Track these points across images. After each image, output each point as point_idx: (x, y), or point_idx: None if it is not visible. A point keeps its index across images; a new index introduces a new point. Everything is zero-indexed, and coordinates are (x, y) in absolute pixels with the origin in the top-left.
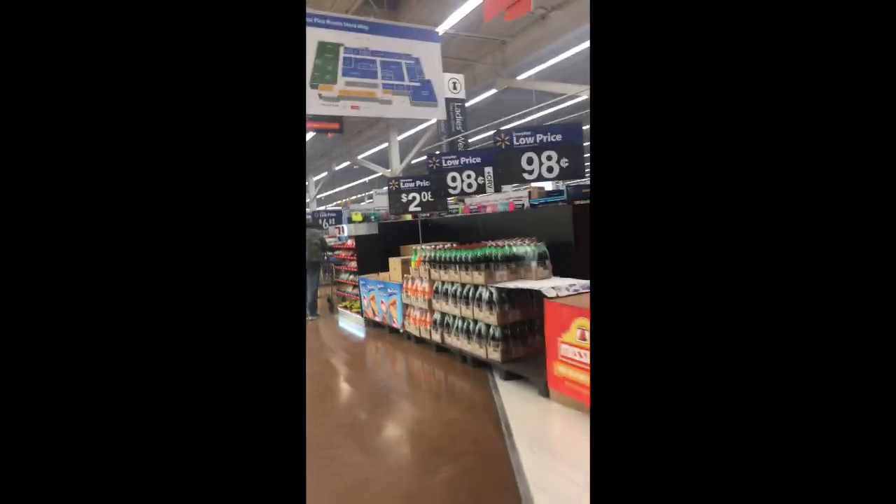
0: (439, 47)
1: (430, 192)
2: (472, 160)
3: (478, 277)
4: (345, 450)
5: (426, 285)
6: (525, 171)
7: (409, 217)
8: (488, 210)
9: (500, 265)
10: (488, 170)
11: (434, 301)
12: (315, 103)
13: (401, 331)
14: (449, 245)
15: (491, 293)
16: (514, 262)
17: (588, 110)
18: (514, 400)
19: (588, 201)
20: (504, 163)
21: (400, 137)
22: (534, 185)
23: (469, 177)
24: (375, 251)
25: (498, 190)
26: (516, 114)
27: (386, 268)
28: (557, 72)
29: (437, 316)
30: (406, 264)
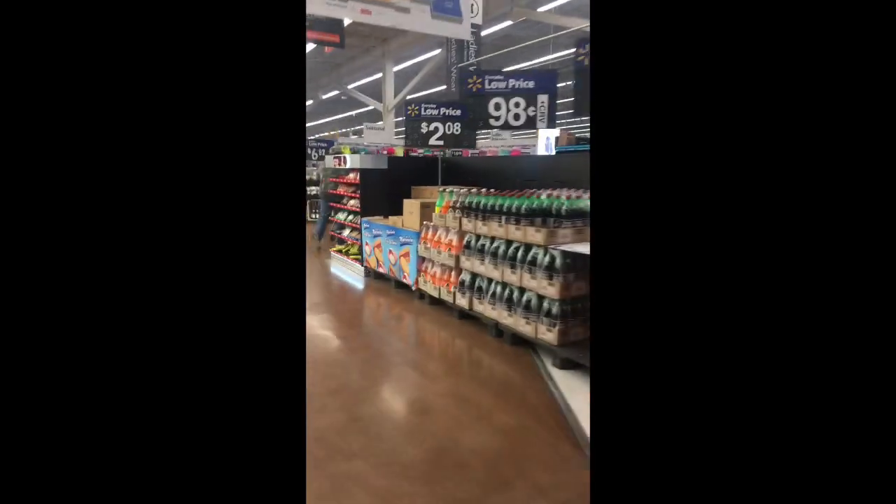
0: None
1: (458, 123)
2: (523, 84)
3: (534, 235)
4: (352, 478)
5: (454, 238)
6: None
7: (421, 153)
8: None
9: (565, 222)
10: (542, 99)
11: (464, 258)
12: (317, 1)
13: (412, 287)
14: (484, 190)
15: (553, 257)
16: (582, 220)
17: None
18: (582, 399)
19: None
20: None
21: (396, 68)
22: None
23: (517, 105)
24: (382, 191)
25: (552, 126)
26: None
27: (394, 210)
28: (582, 6)
29: (467, 277)
30: (427, 209)
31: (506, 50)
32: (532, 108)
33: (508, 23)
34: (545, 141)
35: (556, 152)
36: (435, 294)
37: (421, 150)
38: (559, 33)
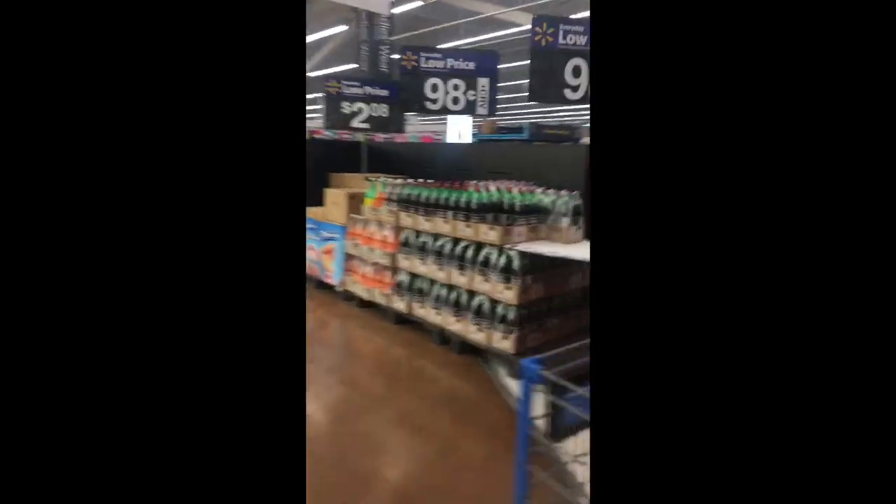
0: None
1: (385, 105)
2: (463, 65)
3: (487, 233)
4: None
5: (389, 233)
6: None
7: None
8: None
9: (519, 218)
10: (483, 82)
11: (401, 257)
12: None
13: (337, 288)
14: (422, 181)
15: (509, 258)
16: (536, 217)
17: (521, 47)
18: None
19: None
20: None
21: None
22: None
23: (457, 88)
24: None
25: (492, 114)
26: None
27: (312, 201)
28: None
29: (405, 278)
30: (355, 200)
31: (428, 29)
32: (472, 92)
33: (419, 3)
34: (455, 128)
35: (478, 141)
36: (366, 296)
37: (350, 134)
38: (470, 18)
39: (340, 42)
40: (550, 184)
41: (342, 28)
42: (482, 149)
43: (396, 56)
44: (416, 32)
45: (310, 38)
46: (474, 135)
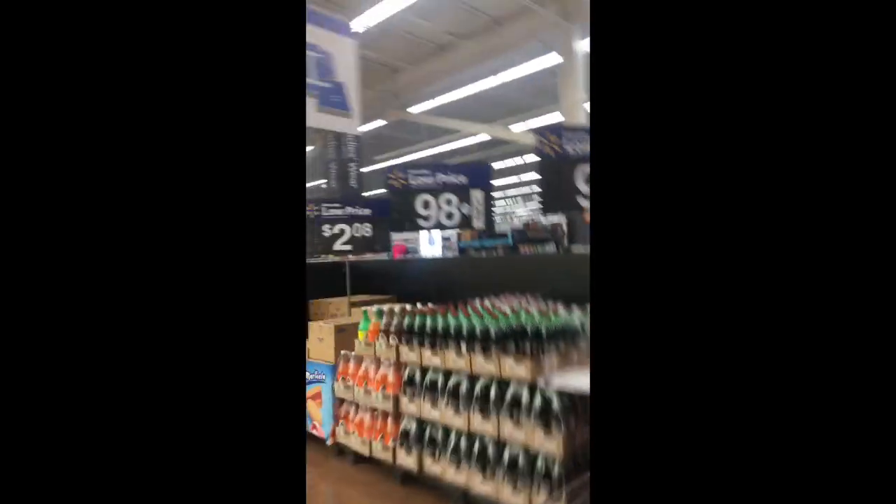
0: (356, 45)
1: (368, 224)
2: (454, 179)
3: (514, 368)
4: None
5: (389, 372)
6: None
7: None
8: (367, 257)
9: (549, 345)
10: (478, 195)
11: (406, 399)
12: None
13: (327, 442)
14: (420, 307)
15: (545, 399)
16: (564, 341)
17: (481, 152)
18: None
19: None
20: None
21: None
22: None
23: (449, 203)
24: None
25: (489, 227)
26: (405, 149)
27: None
28: (455, 108)
29: (412, 425)
30: (344, 334)
31: (417, 147)
32: (466, 205)
33: (381, 122)
34: (427, 237)
35: (460, 249)
36: (363, 450)
37: (328, 256)
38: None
39: (307, 160)
40: (557, 294)
41: (309, 148)
42: (471, 260)
43: (365, 170)
44: (389, 155)
45: None
46: (453, 243)
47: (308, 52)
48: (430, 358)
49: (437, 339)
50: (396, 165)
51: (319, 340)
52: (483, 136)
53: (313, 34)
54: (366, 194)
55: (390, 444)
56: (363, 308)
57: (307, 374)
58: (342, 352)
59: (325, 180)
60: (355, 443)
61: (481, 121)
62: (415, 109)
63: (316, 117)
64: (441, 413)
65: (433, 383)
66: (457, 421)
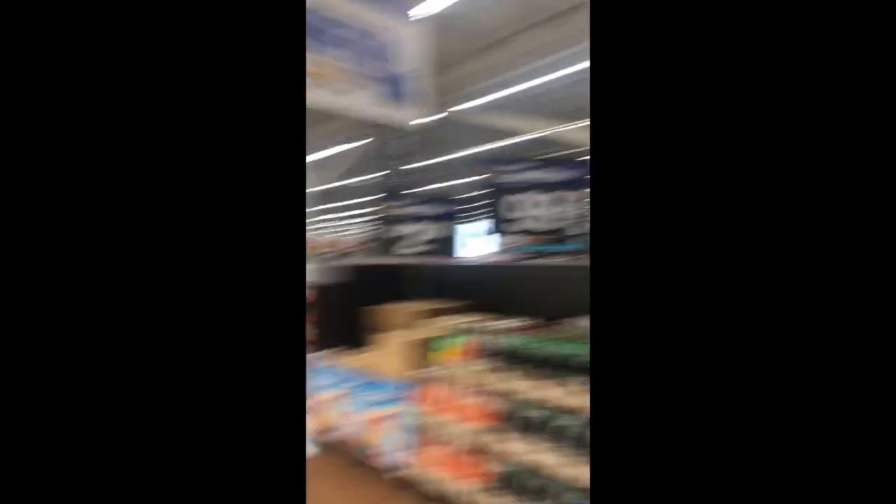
0: (421, 33)
1: (439, 224)
2: (553, 176)
3: None
4: None
5: (482, 401)
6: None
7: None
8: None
9: None
10: (571, 196)
11: (497, 437)
12: None
13: (385, 473)
14: (522, 323)
15: None
16: None
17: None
18: None
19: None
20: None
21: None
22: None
23: (538, 205)
24: (343, 313)
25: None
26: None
27: (352, 342)
28: (506, 104)
29: (507, 468)
30: (420, 349)
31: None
32: (560, 207)
33: (436, 116)
34: (469, 239)
35: (522, 253)
36: (439, 489)
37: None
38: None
39: (358, 156)
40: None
41: (363, 142)
42: (544, 269)
43: (411, 166)
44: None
45: (328, 153)
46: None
47: (366, 41)
48: (534, 391)
49: (543, 367)
50: (485, 159)
51: (390, 352)
52: (535, 134)
53: (376, 18)
54: (418, 190)
55: (475, 486)
56: (441, 319)
57: (381, 393)
58: (417, 370)
59: (385, 173)
60: (434, 479)
61: (539, 118)
62: (467, 105)
63: (374, 109)
64: (545, 457)
65: (533, 420)
66: (567, 470)
